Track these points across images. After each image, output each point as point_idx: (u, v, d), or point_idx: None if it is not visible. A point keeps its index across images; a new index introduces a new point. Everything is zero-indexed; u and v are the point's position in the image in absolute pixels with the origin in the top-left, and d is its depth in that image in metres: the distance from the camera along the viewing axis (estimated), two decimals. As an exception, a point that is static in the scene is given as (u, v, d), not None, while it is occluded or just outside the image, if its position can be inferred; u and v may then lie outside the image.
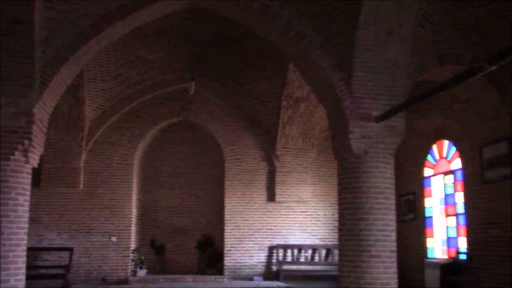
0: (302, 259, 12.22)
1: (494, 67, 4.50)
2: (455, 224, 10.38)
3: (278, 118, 11.76)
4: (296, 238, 12.33)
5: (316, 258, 12.25)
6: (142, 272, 11.56)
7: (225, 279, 11.57)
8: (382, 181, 6.70)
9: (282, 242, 12.22)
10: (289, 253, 12.19)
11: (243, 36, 9.99)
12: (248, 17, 7.23)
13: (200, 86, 11.83)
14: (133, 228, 11.92)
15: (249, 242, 12.13)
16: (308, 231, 12.40)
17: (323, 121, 11.58)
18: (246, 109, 12.16)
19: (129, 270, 11.47)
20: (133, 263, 11.71)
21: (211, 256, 12.47)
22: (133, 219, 11.86)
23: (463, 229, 9.89)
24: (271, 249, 12.16)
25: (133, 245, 11.79)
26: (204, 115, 12.45)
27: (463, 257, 9.58)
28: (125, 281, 11.00)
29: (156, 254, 12.45)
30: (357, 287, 6.44)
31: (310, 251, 12.30)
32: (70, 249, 11.08)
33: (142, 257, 11.79)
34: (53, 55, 6.43)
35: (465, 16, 7.51)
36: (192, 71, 11.51)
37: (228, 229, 12.13)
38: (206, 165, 13.17)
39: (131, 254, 11.59)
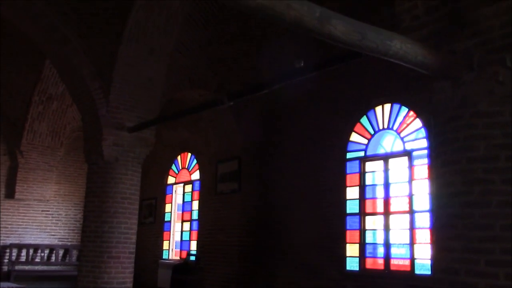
0: (37, 259, 11.87)
1: (232, 102, 5.47)
2: (189, 229, 11.50)
3: (28, 113, 11.28)
4: (34, 237, 11.92)
5: (53, 258, 12.06)
6: None
7: None
8: (128, 188, 7.25)
9: (17, 241, 11.68)
10: (23, 253, 11.72)
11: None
12: (12, 8, 6.99)
13: None
14: None
15: (-22, 241, 11.30)
16: (48, 230, 12.12)
17: (75, 121, 11.57)
18: (-9, 98, 11.33)
19: None
20: None
21: None
22: None
23: (195, 234, 11.04)
24: (4, 248, 11.52)
25: None
26: None
27: (192, 258, 10.70)
28: None
29: None
30: (95, 286, 6.82)
31: (47, 251, 12.03)
32: None
33: None
34: None
35: (215, 49, 8.67)
36: None
37: (-46, 226, 11.09)
38: None
39: None
